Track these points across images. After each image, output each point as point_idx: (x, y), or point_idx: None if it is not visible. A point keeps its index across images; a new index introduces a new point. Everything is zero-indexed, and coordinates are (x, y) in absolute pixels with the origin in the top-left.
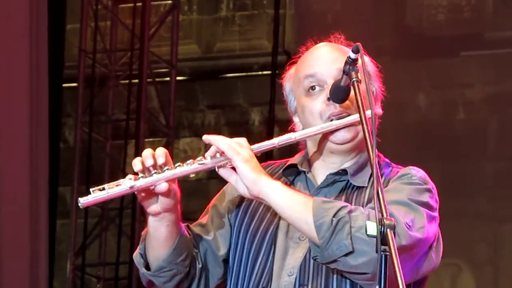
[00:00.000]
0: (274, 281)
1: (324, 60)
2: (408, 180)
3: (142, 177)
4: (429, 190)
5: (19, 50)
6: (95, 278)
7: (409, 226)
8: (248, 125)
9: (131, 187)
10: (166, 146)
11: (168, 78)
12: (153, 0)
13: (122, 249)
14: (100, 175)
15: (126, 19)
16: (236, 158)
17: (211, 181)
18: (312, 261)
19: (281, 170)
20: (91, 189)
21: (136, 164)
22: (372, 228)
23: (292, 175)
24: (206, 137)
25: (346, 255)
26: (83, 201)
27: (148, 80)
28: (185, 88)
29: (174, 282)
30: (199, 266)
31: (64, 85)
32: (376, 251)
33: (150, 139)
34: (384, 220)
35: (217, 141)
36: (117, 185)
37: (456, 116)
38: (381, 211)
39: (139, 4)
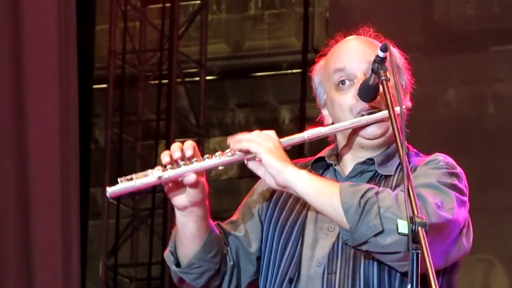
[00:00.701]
0: (303, 271)
1: (353, 54)
2: (436, 165)
3: (170, 168)
4: (457, 175)
5: (48, 52)
6: (127, 278)
7: (439, 206)
8: (278, 123)
9: (159, 178)
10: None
11: (197, 78)
12: (182, 0)
13: (154, 249)
14: None
15: (155, 20)
16: (259, 151)
17: (242, 180)
18: (340, 249)
19: (310, 166)
20: (119, 179)
21: (164, 156)
22: (403, 226)
23: (320, 169)
24: (231, 143)
25: (376, 235)
26: (110, 190)
27: (178, 80)
28: (214, 87)
29: (204, 279)
30: (230, 263)
31: (94, 86)
32: (408, 250)
33: (181, 139)
34: (416, 218)
35: (240, 142)
36: (145, 176)
37: (486, 111)
38: (412, 209)
39: (167, 4)
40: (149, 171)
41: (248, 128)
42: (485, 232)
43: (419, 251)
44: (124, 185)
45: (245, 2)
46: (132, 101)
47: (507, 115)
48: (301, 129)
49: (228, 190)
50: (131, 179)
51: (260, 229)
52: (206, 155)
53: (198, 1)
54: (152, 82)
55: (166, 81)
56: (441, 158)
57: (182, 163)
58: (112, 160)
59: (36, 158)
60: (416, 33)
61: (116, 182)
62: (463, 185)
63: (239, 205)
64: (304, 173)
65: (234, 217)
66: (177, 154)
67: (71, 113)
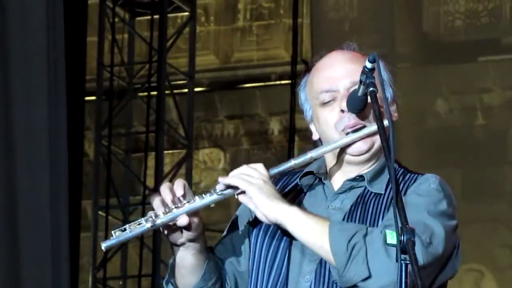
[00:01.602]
0: (291, 287)
1: (337, 72)
2: (426, 190)
3: (163, 213)
4: (447, 197)
5: (37, 65)
6: None
7: (428, 243)
8: (267, 134)
9: (152, 225)
10: (185, 157)
11: (186, 90)
12: (170, 12)
13: (144, 262)
14: (121, 188)
15: (144, 32)
16: (249, 190)
17: None
18: (327, 265)
19: (298, 179)
20: (113, 232)
21: (158, 207)
22: (392, 237)
23: (309, 182)
24: (220, 181)
25: (364, 280)
26: (106, 245)
27: (167, 92)
28: (203, 99)
29: None
30: (227, 287)
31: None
32: (396, 260)
33: (170, 151)
34: (404, 229)
35: (228, 179)
36: (138, 225)
37: (475, 122)
38: (401, 220)
39: (156, 16)
40: (142, 219)
41: (237, 140)
42: (475, 242)
43: (407, 262)
44: (118, 236)
45: (234, 14)
46: (121, 113)
47: (496, 125)
48: (290, 140)
49: (218, 202)
50: (125, 229)
51: (249, 247)
52: (197, 195)
53: (187, 13)
54: (141, 94)
55: (155, 93)
56: (431, 180)
57: (173, 207)
58: (101, 173)
59: (25, 172)
60: (405, 44)
61: (105, 196)
62: (453, 206)
63: (229, 217)
64: (295, 211)
65: (224, 237)
66: (168, 198)
67: (60, 126)
